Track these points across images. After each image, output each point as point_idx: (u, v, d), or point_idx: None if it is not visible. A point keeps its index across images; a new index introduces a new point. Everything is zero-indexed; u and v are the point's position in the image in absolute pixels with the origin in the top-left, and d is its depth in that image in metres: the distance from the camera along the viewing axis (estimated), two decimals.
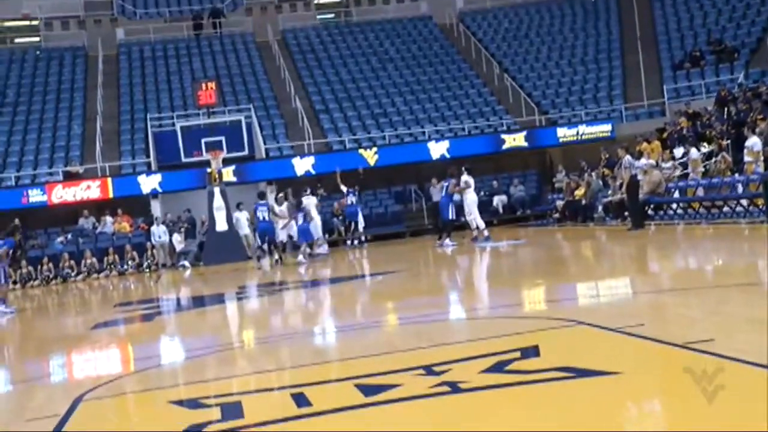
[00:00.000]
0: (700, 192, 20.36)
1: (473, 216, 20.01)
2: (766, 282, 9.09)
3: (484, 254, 17.74)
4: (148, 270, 26.16)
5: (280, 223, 21.64)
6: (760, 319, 6.24)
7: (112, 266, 26.20)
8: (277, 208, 21.87)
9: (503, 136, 30.08)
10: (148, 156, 29.90)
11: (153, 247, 26.82)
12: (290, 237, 21.98)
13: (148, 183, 28.54)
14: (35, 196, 27.64)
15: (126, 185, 28.58)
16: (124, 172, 29.52)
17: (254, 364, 7.32)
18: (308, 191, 22.44)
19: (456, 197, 20.98)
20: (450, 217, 20.63)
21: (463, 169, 20.54)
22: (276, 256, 21.55)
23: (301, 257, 20.42)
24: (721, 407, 4.08)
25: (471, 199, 20.31)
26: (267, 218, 21.23)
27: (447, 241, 20.21)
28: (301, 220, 20.89)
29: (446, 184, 20.81)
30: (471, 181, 20.29)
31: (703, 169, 21.52)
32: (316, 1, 38.60)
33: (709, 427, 3.70)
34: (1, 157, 30.13)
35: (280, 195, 22.77)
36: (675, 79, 31.92)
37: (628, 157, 20.18)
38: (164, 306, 15.49)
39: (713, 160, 21.50)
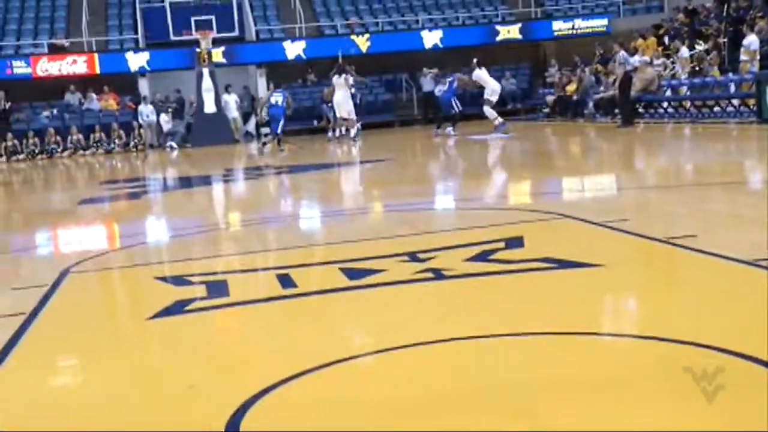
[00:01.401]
0: (687, 91, 20.30)
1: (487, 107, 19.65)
2: (750, 181, 9.21)
3: (473, 146, 17.74)
4: (134, 149, 26.03)
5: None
6: (742, 216, 6.36)
7: (99, 144, 26.02)
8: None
9: (497, 27, 29.61)
10: (136, 32, 29.24)
11: (140, 126, 26.59)
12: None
13: (136, 60, 27.95)
14: (19, 68, 27.15)
15: (113, 62, 28.04)
16: (111, 48, 28.94)
17: (240, 245, 7.37)
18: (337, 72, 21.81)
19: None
20: (453, 111, 20.57)
21: (474, 62, 20.10)
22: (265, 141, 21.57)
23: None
24: (695, 300, 4.18)
25: (492, 88, 19.88)
26: (280, 104, 20.75)
27: (450, 129, 20.23)
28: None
29: (450, 79, 20.59)
30: (483, 73, 19.89)
31: (690, 69, 21.33)
32: None
33: (684, 316, 3.82)
34: None
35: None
36: None
37: (622, 53, 19.96)
38: (151, 185, 15.47)
39: (708, 57, 21.28)
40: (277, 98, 20.85)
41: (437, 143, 19.32)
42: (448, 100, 20.57)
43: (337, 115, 21.59)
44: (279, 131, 20.40)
